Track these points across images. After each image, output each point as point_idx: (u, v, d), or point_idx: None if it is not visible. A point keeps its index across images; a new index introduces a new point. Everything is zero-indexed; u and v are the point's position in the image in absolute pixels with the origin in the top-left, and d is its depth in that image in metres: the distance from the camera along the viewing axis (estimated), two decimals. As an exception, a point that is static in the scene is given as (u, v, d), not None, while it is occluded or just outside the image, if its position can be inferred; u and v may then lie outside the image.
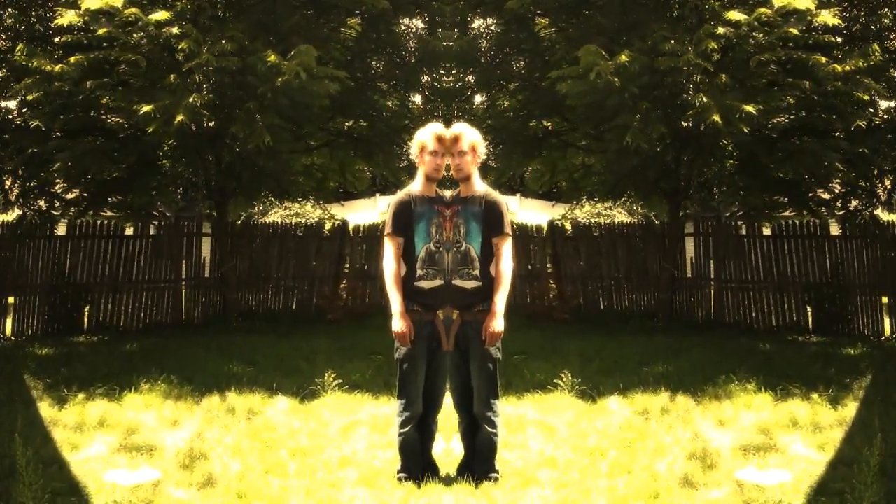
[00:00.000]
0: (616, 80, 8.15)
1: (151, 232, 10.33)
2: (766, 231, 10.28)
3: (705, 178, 10.31)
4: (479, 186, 4.18)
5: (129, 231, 10.27)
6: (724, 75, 8.07)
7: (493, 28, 11.40)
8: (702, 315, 10.44)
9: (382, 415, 5.35)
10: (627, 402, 5.80)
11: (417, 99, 11.83)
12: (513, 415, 5.37)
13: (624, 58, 8.16)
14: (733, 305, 10.25)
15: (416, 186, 4.19)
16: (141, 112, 7.81)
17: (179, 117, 7.72)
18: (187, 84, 8.13)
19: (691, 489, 4.04)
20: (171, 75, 8.15)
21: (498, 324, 3.99)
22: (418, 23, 11.50)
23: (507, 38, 10.89)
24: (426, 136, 4.12)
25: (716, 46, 7.97)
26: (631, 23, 9.14)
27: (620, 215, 16.16)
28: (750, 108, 7.73)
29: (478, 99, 11.94)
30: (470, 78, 11.49)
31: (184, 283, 10.32)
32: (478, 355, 4.02)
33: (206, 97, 8.17)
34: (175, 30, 8.09)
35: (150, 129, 8.01)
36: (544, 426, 5.17)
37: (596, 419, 5.33)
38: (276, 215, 16.64)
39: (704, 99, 7.91)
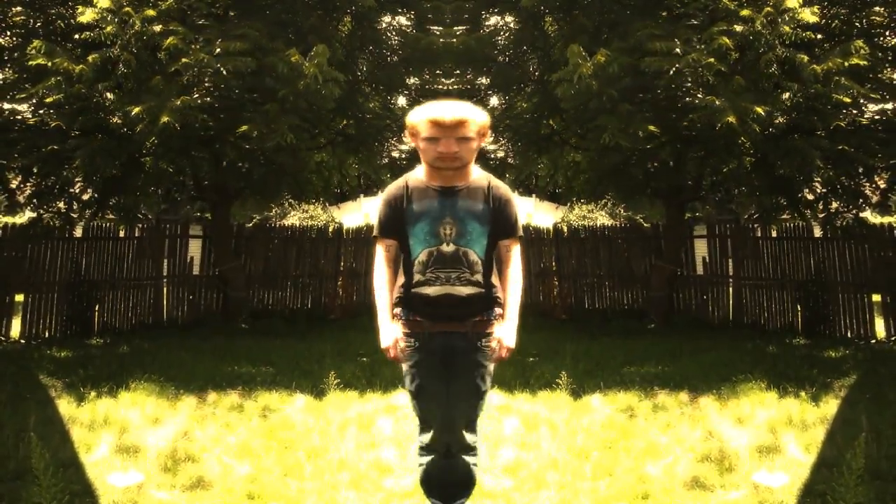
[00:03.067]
0: (594, 83, 8.18)
1: (137, 234, 10.41)
2: (773, 234, 10.42)
3: (721, 176, 10.28)
4: (476, 173, 3.39)
5: (122, 234, 10.34)
6: (739, 77, 8.07)
7: (511, 25, 11.39)
8: (718, 315, 10.54)
9: (366, 412, 5.57)
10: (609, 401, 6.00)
11: (402, 101, 11.74)
12: (529, 411, 5.55)
13: (600, 57, 8.18)
14: (751, 304, 10.36)
15: (417, 173, 3.40)
16: (132, 114, 7.85)
17: (164, 118, 7.70)
18: (171, 86, 8.07)
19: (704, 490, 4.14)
20: (156, 77, 8.12)
21: (512, 337, 3.33)
22: (402, 19, 11.43)
23: (523, 35, 10.93)
24: (418, 119, 3.25)
25: (731, 45, 7.96)
26: (610, 22, 9.16)
27: (602, 218, 16.30)
28: (760, 110, 7.78)
29: (493, 101, 11.96)
30: (483, 80, 11.43)
31: (165, 279, 10.37)
32: (468, 371, 3.32)
33: (197, 100, 8.12)
34: (158, 27, 8.06)
35: (138, 129, 8.03)
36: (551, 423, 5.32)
37: (582, 417, 5.49)
38: (294, 218, 16.97)
39: (717, 102, 7.88)
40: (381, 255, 3.40)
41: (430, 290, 3.27)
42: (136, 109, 7.81)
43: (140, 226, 10.56)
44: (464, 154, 3.22)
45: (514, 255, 3.39)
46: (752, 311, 10.36)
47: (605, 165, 9.95)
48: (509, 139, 11.61)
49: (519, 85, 11.35)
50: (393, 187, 3.40)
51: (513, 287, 3.34)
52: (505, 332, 3.31)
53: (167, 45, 7.96)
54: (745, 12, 8.07)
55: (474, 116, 3.23)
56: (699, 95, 8.22)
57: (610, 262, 11.45)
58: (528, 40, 10.80)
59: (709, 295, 10.72)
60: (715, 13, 8.31)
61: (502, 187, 3.40)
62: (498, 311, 3.35)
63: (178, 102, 7.86)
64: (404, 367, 3.38)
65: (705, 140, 8.68)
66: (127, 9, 8.03)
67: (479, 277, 3.29)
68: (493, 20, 11.55)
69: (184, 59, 7.95)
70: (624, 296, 11.30)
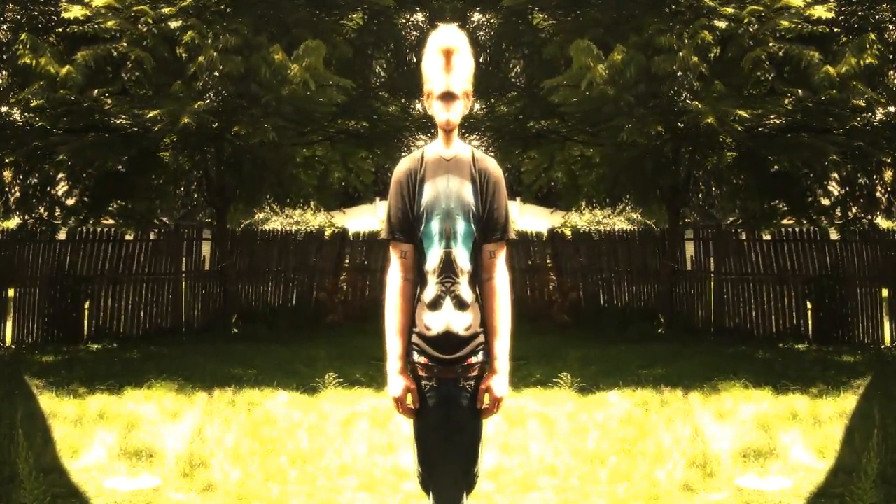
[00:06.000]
0: (609, 89, 8.07)
1: (151, 237, 10.35)
2: (766, 237, 10.25)
3: (705, 170, 10.24)
4: (462, 146, 2.68)
5: (130, 237, 10.22)
6: (718, 82, 8.04)
7: (492, 22, 11.32)
8: (703, 314, 10.43)
9: (382, 406, 5.44)
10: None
11: (419, 106, 11.72)
12: (513, 406, 5.45)
13: (617, 56, 8.05)
14: (734, 300, 10.21)
15: (434, 145, 2.68)
16: (147, 116, 7.84)
17: (185, 119, 7.74)
18: (190, 91, 8.08)
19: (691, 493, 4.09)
20: (177, 82, 8.08)
21: (504, 386, 2.60)
22: (419, 17, 11.43)
23: (506, 29, 10.79)
24: (433, 71, 2.60)
25: (711, 39, 7.90)
26: (626, 17, 9.06)
27: (620, 223, 15.95)
28: (744, 113, 7.76)
29: (476, 106, 11.86)
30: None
31: (184, 274, 10.39)
32: (463, 425, 2.58)
33: (208, 105, 8.11)
34: (177, 23, 8.00)
35: (156, 129, 8.00)
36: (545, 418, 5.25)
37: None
38: (276, 223, 16.71)
39: (700, 106, 7.90)
40: (395, 269, 2.61)
41: (434, 323, 2.56)
42: (153, 113, 7.79)
43: (156, 230, 10.57)
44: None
45: (500, 267, 2.61)
46: (735, 304, 10.22)
47: (623, 159, 9.87)
48: (491, 137, 11.43)
49: (499, 92, 11.20)
50: (405, 162, 2.65)
51: (501, 316, 2.58)
52: (496, 383, 2.57)
53: (186, 39, 7.88)
54: (726, 10, 7.98)
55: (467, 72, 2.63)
56: (687, 101, 8.19)
57: (629, 260, 11.46)
58: (512, 36, 10.67)
59: (696, 289, 10.69)
60: (698, 10, 8.24)
61: (489, 160, 2.66)
62: (482, 342, 2.62)
63: (195, 106, 7.87)
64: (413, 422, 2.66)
65: (693, 137, 8.68)
66: (141, 7, 7.94)
67: (469, 301, 2.57)
68: (476, 17, 11.47)
69: (200, 58, 7.88)
70: (641, 291, 11.30)
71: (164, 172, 9.77)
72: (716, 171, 9.70)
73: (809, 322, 9.55)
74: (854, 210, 9.98)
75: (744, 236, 10.45)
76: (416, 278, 2.61)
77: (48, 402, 5.67)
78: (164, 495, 4.02)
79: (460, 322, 2.54)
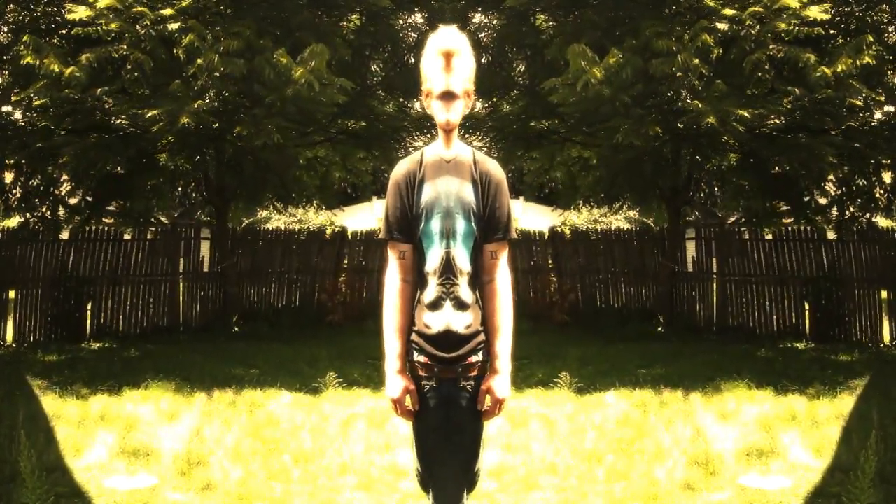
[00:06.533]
0: (606, 89, 8.07)
1: (149, 237, 10.31)
2: (768, 236, 10.26)
3: (707, 171, 10.26)
4: (463, 147, 2.69)
5: (128, 236, 10.19)
6: (719, 82, 8.02)
7: (494, 23, 11.34)
8: (705, 314, 10.42)
9: (379, 408, 5.46)
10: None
11: (417, 105, 11.68)
12: (516, 406, 5.45)
13: (612, 60, 8.05)
14: (737, 301, 10.22)
15: (433, 146, 2.68)
16: (147, 116, 7.81)
17: (184, 119, 7.73)
18: (190, 91, 8.06)
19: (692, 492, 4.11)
20: (176, 82, 8.05)
21: (506, 387, 2.60)
22: (418, 18, 11.43)
23: (508, 30, 10.81)
24: (433, 71, 2.58)
25: (711, 42, 7.88)
26: (624, 19, 9.08)
27: (618, 222, 15.87)
28: (745, 113, 7.75)
29: (478, 105, 11.85)
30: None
31: (181, 276, 10.35)
32: (463, 426, 2.57)
33: (209, 104, 8.10)
34: (176, 24, 7.96)
35: (154, 129, 7.98)
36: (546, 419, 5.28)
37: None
38: (279, 222, 16.63)
39: (700, 105, 7.89)
40: (393, 270, 2.61)
41: (434, 322, 2.56)
42: (153, 112, 7.78)
43: (153, 229, 10.54)
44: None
45: (502, 267, 2.61)
46: (738, 305, 10.21)
47: (619, 161, 9.88)
48: (493, 138, 11.43)
49: (502, 90, 11.20)
50: (403, 164, 2.65)
51: (503, 317, 2.57)
52: (498, 384, 2.57)
53: (186, 42, 7.86)
54: (727, 11, 7.97)
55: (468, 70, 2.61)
56: (688, 100, 8.18)
57: (626, 260, 11.45)
58: (514, 38, 10.69)
59: (697, 290, 10.68)
60: (699, 11, 8.24)
61: (490, 162, 2.66)
62: (483, 341, 2.61)
63: (195, 106, 7.86)
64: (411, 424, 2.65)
65: (694, 138, 8.68)
66: (141, 8, 7.93)
67: (469, 301, 2.57)
68: (478, 18, 11.46)
69: (199, 61, 7.86)
70: (639, 293, 11.28)
71: (162, 173, 9.76)
72: (718, 172, 9.70)
73: (807, 321, 9.58)
74: (851, 209, 10.00)
75: (746, 235, 10.46)
76: (415, 279, 2.61)
77: (52, 402, 5.69)
78: (161, 494, 4.03)
79: (460, 321, 2.55)
